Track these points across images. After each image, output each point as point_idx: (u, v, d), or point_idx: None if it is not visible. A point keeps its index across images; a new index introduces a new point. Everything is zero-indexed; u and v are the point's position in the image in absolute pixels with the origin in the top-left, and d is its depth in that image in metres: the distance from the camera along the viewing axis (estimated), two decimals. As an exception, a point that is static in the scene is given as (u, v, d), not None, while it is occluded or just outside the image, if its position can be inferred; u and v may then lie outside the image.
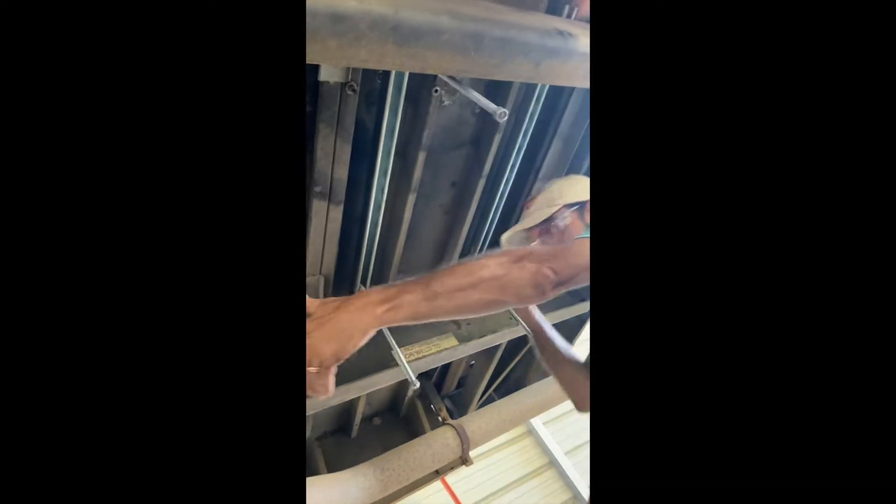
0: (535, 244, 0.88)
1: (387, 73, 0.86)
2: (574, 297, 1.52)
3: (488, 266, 0.64)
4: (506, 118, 0.63)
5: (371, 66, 0.54)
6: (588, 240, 0.68)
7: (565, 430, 4.07)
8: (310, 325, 0.65)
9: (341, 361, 0.64)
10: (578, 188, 0.97)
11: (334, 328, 0.63)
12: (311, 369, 0.64)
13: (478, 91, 1.08)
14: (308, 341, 0.64)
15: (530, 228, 1.02)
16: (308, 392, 0.69)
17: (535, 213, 1.01)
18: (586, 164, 1.37)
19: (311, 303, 0.67)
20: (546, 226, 0.98)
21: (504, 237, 1.06)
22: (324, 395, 0.68)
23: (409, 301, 0.63)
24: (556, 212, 0.96)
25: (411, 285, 0.64)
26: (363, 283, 1.21)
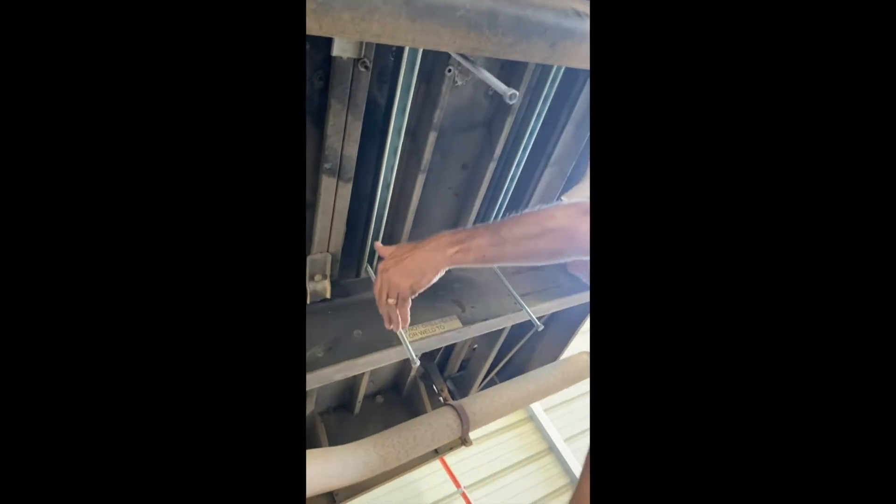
0: None
1: (400, 51, 0.85)
2: (576, 284, 1.51)
3: (556, 217, 0.67)
4: (516, 100, 0.63)
5: (384, 40, 0.54)
6: None
7: (566, 417, 4.11)
8: (387, 263, 0.74)
9: (415, 295, 0.72)
10: None
11: (410, 264, 0.71)
12: (389, 301, 0.73)
13: (492, 73, 1.07)
14: (385, 276, 0.74)
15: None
16: (386, 324, 0.80)
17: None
18: (599, 150, 1.36)
19: (387, 248, 0.78)
20: None
21: (565, 196, 1.09)
22: (401, 326, 0.78)
23: (477, 245, 0.68)
24: None
25: (481, 230, 0.70)
26: (370, 262, 1.22)
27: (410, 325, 1.25)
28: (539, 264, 0.70)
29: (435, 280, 0.70)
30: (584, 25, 0.70)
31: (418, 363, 0.99)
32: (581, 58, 0.74)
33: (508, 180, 1.26)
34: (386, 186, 1.06)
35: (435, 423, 1.33)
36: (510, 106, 1.05)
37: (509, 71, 1.03)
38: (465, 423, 1.38)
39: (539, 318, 1.31)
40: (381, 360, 1.16)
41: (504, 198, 1.32)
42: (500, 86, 0.62)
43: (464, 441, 1.44)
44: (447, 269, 0.70)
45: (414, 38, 0.55)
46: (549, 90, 1.08)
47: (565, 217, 0.67)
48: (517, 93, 0.61)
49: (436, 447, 1.42)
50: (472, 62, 0.68)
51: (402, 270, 0.71)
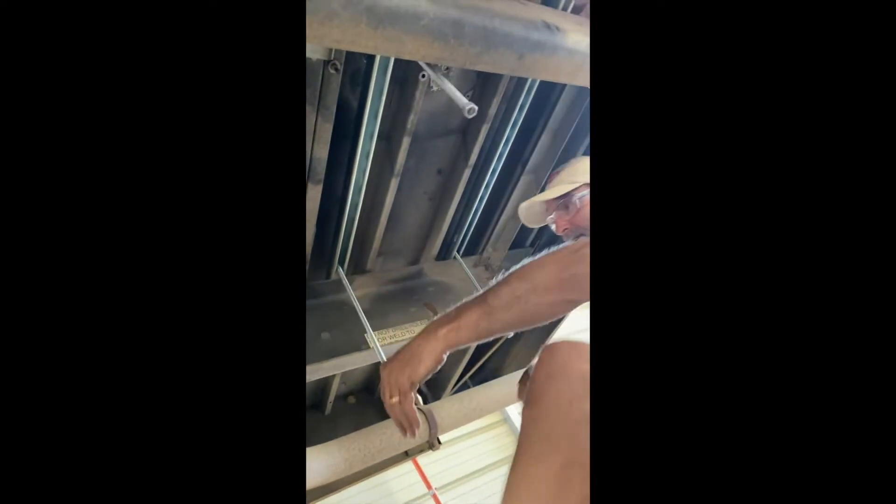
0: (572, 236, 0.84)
1: (372, 54, 0.85)
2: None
3: (545, 266, 0.60)
4: (474, 114, 0.62)
5: (345, 47, 0.53)
6: None
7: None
8: (385, 363, 0.69)
9: (416, 386, 0.67)
10: None
11: (405, 355, 0.66)
12: (392, 400, 0.68)
13: (469, 78, 1.07)
14: (384, 374, 0.68)
15: (548, 201, 1.01)
16: (400, 431, 0.74)
17: (554, 188, 1.01)
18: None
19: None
20: (563, 201, 0.97)
21: (522, 206, 1.06)
22: (412, 426, 0.71)
23: (467, 321, 0.63)
24: (575, 189, 0.96)
25: (469, 304, 0.64)
26: (341, 264, 1.21)
27: (380, 328, 1.24)
28: (546, 322, 0.62)
29: (436, 368, 0.66)
30: (554, 38, 0.70)
31: (384, 368, 0.98)
32: (551, 70, 0.75)
33: (483, 187, 1.26)
34: (358, 190, 1.05)
35: (402, 427, 1.32)
36: (485, 113, 1.05)
37: (485, 78, 1.03)
38: (432, 428, 1.37)
39: (510, 325, 1.31)
40: (349, 364, 1.15)
41: (479, 204, 1.32)
42: (460, 99, 0.62)
43: (431, 445, 1.44)
44: (445, 352, 0.65)
45: (376, 46, 0.54)
46: (525, 99, 1.08)
47: (556, 262, 0.59)
48: (475, 108, 0.61)
49: (403, 451, 1.41)
50: (437, 71, 0.68)
51: (399, 363, 0.67)
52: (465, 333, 0.64)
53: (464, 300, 0.66)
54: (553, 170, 1.24)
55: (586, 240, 0.62)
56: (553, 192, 0.98)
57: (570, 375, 0.54)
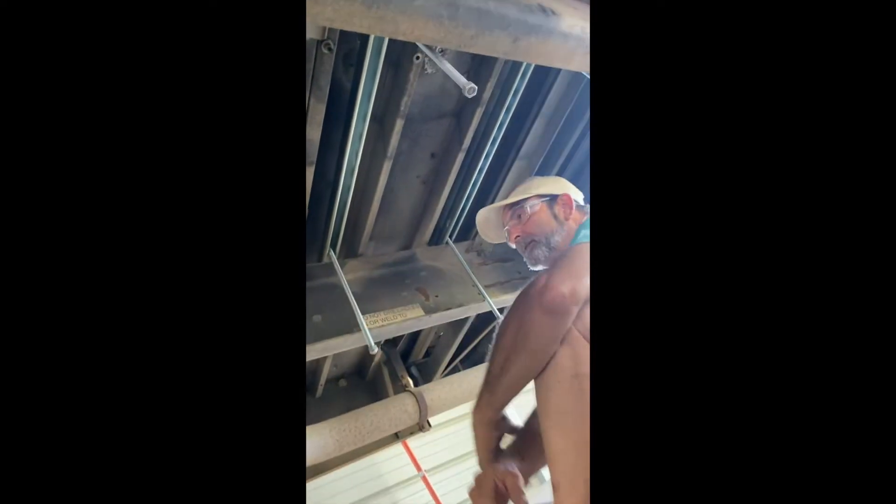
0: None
1: (366, 34, 0.84)
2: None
3: (506, 330, 0.66)
4: (474, 94, 0.62)
5: (338, 25, 0.53)
6: (582, 245, 0.70)
7: (529, 405, 4.19)
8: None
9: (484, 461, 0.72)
10: (555, 185, 1.00)
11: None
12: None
13: (464, 61, 1.06)
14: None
15: (503, 212, 1.04)
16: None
17: (510, 197, 1.04)
18: (568, 147, 1.37)
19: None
20: (516, 209, 1.00)
21: (479, 217, 1.08)
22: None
23: (481, 416, 0.70)
24: (528, 199, 0.98)
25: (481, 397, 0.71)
26: (333, 247, 1.21)
27: (371, 311, 1.25)
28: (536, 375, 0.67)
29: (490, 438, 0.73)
30: (550, 22, 0.70)
31: (376, 350, 0.99)
32: (546, 55, 0.74)
33: (477, 172, 1.26)
34: (350, 172, 1.05)
35: (392, 409, 1.34)
36: (480, 97, 1.05)
37: (479, 62, 1.03)
38: (423, 410, 1.39)
39: (501, 310, 1.32)
40: (339, 346, 1.15)
41: (472, 189, 1.32)
42: (460, 78, 0.61)
43: (421, 427, 1.46)
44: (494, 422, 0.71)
45: (370, 25, 0.54)
46: (520, 84, 1.07)
47: (517, 320, 0.65)
48: (475, 87, 0.61)
49: (393, 432, 1.43)
50: (434, 52, 0.67)
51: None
52: (498, 404, 0.71)
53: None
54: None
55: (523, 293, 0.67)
56: (507, 201, 1.02)
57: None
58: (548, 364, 0.64)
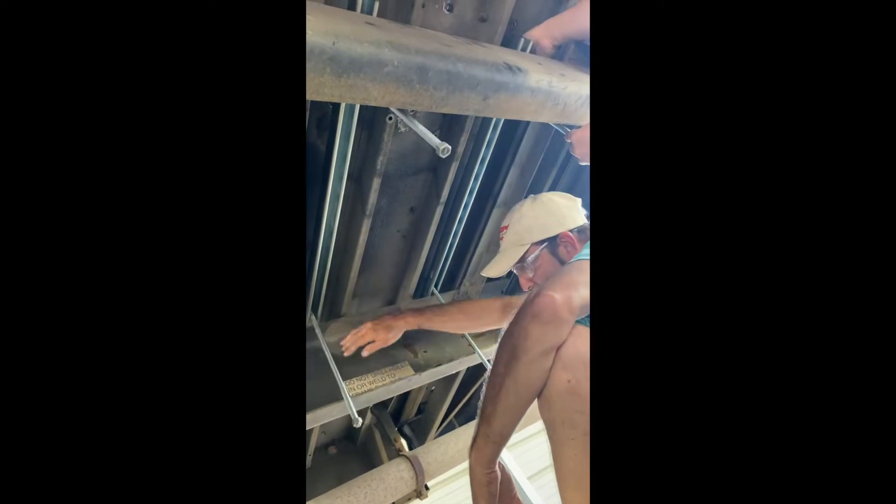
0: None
1: (338, 99, 0.85)
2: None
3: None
4: (448, 154, 0.62)
5: (309, 97, 0.52)
6: (579, 261, 0.69)
7: (528, 454, 4.03)
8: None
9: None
10: (546, 220, 0.98)
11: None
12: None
13: (436, 118, 1.08)
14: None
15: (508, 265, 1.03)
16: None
17: (508, 251, 1.01)
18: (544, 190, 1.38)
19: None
20: (520, 265, 0.99)
21: (483, 272, 1.08)
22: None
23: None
24: (527, 251, 0.97)
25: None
26: (314, 310, 1.17)
27: (358, 374, 1.19)
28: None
29: None
30: (517, 79, 0.72)
31: (360, 422, 0.94)
32: (516, 110, 0.76)
33: (456, 222, 1.26)
34: (329, 233, 1.03)
35: (387, 477, 1.26)
36: (454, 151, 1.06)
37: (451, 118, 1.05)
38: (419, 475, 1.31)
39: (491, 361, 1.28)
40: (326, 416, 1.09)
41: (454, 239, 1.32)
42: (433, 140, 0.61)
43: (419, 493, 1.37)
44: None
45: (341, 94, 0.54)
46: (493, 136, 1.10)
47: (510, 337, 0.64)
48: (449, 147, 0.61)
49: (390, 502, 1.34)
50: (406, 114, 0.68)
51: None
52: (497, 436, 0.71)
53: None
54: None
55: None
56: (505, 261, 1.00)
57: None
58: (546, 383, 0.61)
